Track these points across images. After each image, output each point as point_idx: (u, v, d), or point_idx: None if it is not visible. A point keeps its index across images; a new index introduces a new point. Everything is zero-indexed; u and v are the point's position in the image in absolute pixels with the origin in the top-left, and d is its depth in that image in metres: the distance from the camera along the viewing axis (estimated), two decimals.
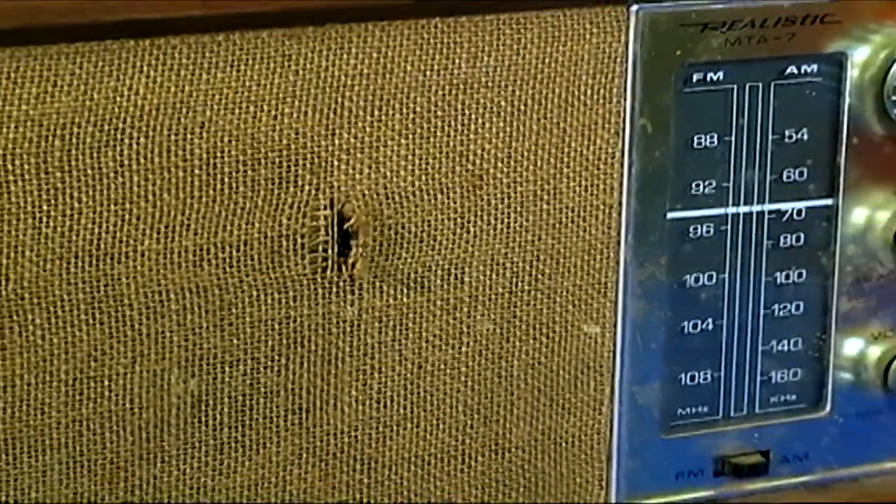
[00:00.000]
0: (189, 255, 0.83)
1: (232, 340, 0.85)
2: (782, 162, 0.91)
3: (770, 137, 0.90)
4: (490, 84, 0.86)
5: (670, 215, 0.90)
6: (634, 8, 0.87)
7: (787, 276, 0.92)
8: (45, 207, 0.81)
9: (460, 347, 0.88)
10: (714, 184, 0.90)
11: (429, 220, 0.87)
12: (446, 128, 0.86)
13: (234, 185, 0.83)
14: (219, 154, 0.83)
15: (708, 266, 0.91)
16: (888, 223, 0.93)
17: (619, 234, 0.89)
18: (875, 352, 0.94)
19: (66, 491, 0.84)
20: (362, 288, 0.86)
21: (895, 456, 0.96)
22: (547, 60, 0.87)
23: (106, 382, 0.83)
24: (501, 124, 0.87)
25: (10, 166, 0.80)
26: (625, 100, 0.88)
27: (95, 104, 0.81)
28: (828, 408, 0.94)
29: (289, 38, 0.83)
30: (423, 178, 0.86)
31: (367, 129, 0.85)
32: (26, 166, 0.80)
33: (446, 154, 0.86)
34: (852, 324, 0.94)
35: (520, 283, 0.88)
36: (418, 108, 0.85)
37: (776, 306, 0.92)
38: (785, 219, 0.92)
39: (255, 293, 0.85)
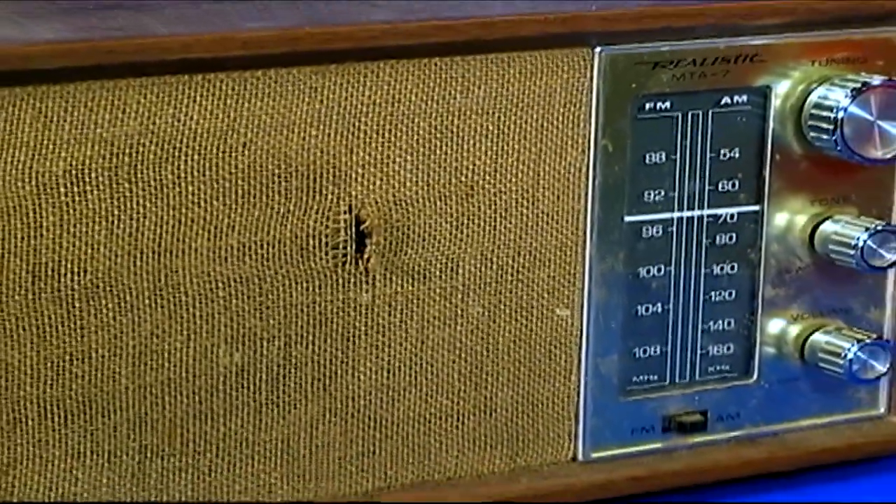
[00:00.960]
0: (234, 251, 0.83)
1: (268, 321, 0.84)
2: (718, 175, 0.91)
3: (708, 155, 0.90)
4: (480, 111, 0.86)
5: (627, 219, 0.90)
6: (598, 50, 0.87)
7: (722, 269, 0.92)
8: (115, 212, 0.81)
9: (455, 327, 0.88)
10: (662, 193, 0.90)
11: (429, 223, 0.87)
12: (444, 147, 0.86)
13: (270, 193, 0.83)
14: (258, 168, 0.83)
15: (657, 260, 0.91)
16: (804, 225, 0.93)
17: (585, 234, 0.89)
18: (794, 330, 0.94)
19: (132, 444, 0.83)
20: (375, 278, 0.86)
21: (809, 415, 0.95)
22: (526, 92, 0.87)
23: (165, 355, 0.83)
24: (489, 144, 0.87)
25: (87, 178, 0.80)
26: (590, 124, 0.88)
27: (157, 128, 0.81)
28: (755, 376, 0.94)
29: (315, 73, 0.83)
30: (425, 188, 0.86)
31: (379, 148, 0.85)
32: (100, 178, 0.80)
33: (444, 168, 0.86)
34: (775, 307, 0.93)
35: (504, 275, 0.88)
36: (421, 131, 0.85)
37: (713, 293, 0.92)
38: (720, 222, 0.91)
39: (287, 282, 0.84)
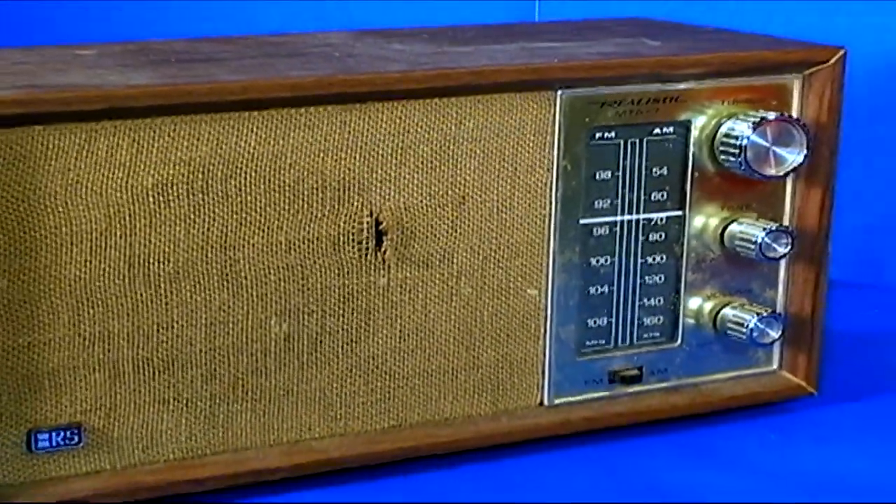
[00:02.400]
0: (282, 246, 0.83)
1: (308, 298, 0.84)
2: (651, 188, 0.91)
3: (644, 173, 0.90)
4: (470, 139, 0.86)
5: (581, 221, 0.89)
6: (560, 92, 0.87)
7: (654, 259, 0.92)
8: (191, 216, 0.81)
9: (451, 303, 0.88)
10: (609, 202, 0.90)
11: (431, 224, 0.86)
12: (442, 166, 0.86)
13: (309, 202, 0.83)
14: (301, 183, 0.83)
15: (604, 253, 0.91)
16: (716, 226, 0.92)
17: (549, 233, 0.89)
18: (708, 306, 0.93)
19: (204, 393, 0.83)
20: (390, 267, 0.86)
21: (720, 371, 0.95)
22: (505, 124, 0.86)
23: (229, 325, 0.83)
24: (476, 164, 0.87)
25: (170, 191, 0.80)
26: (553, 149, 0.88)
27: (223, 152, 0.81)
28: (679, 341, 0.93)
29: (344, 110, 0.83)
30: (427, 197, 0.86)
31: (393, 168, 0.85)
32: (180, 191, 0.80)
33: (442, 183, 0.86)
34: (694, 288, 0.93)
35: (488, 263, 0.88)
36: (424, 155, 0.85)
37: (647, 278, 0.92)
38: (652, 223, 0.91)
39: (322, 269, 0.84)
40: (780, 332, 0.93)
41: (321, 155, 0.83)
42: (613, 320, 0.92)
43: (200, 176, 0.81)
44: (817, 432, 0.93)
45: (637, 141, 0.90)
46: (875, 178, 1.16)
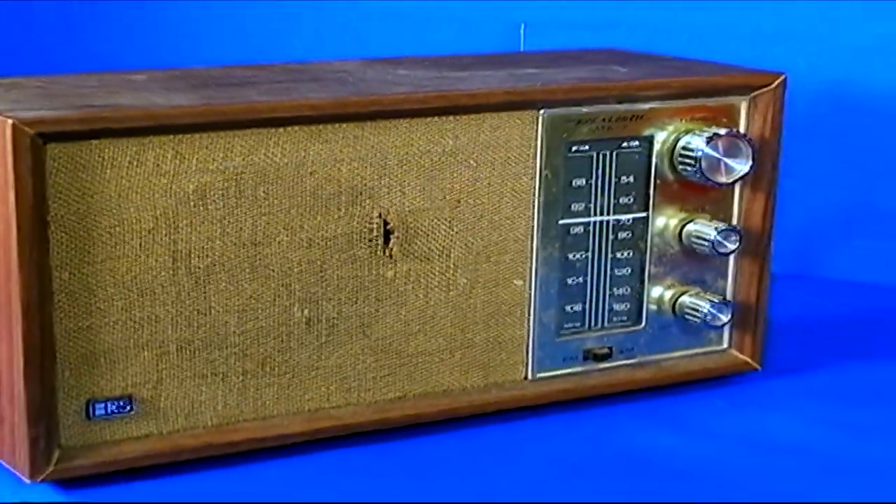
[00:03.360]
0: (304, 242, 0.83)
1: (327, 288, 0.84)
2: (619, 193, 0.90)
3: (613, 180, 0.90)
4: (465, 151, 0.86)
5: (560, 222, 0.89)
6: (542, 111, 0.87)
7: (622, 254, 0.91)
8: (226, 218, 0.81)
9: (448, 292, 0.87)
10: (584, 205, 0.90)
11: (432, 224, 0.86)
12: (440, 175, 0.86)
13: (328, 205, 0.83)
14: (320, 189, 0.83)
15: (580, 249, 0.90)
16: (675, 225, 0.92)
17: (533, 232, 0.88)
18: (668, 294, 0.93)
19: (237, 369, 0.83)
20: (396, 261, 0.85)
21: (678, 349, 0.94)
22: (495, 139, 0.86)
23: (259, 311, 0.83)
24: (470, 173, 0.86)
25: (207, 195, 0.80)
26: (536, 160, 0.87)
27: (253, 162, 0.81)
28: (643, 324, 0.93)
29: (357, 127, 0.83)
30: (428, 201, 0.86)
31: (398, 176, 0.84)
32: (217, 195, 0.80)
33: (440, 189, 0.86)
34: (656, 279, 0.93)
35: (480, 258, 0.88)
36: (425, 164, 0.85)
37: (616, 270, 0.91)
38: (621, 223, 0.91)
39: (339, 263, 0.84)
40: (729, 317, 0.92)
41: (337, 165, 0.83)
42: (587, 306, 0.92)
43: (234, 183, 0.81)
44: (761, 402, 0.94)
45: (608, 153, 0.90)
46: (811, 185, 1.16)
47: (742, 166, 0.90)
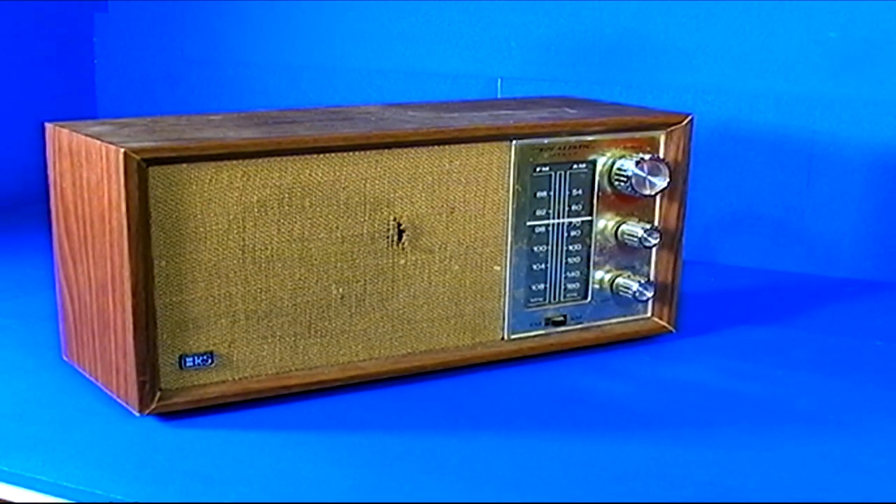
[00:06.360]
0: (339, 240, 0.82)
1: (354, 273, 0.83)
2: (571, 202, 0.89)
3: (566, 193, 0.89)
4: (458, 171, 0.85)
5: (528, 223, 0.88)
6: (514, 142, 0.86)
7: (573, 247, 0.91)
8: (281, 221, 0.80)
9: (446, 275, 0.86)
10: (545, 211, 0.89)
11: (432, 225, 0.85)
12: (439, 189, 0.85)
13: (356, 212, 0.82)
14: (351, 199, 0.82)
15: (542, 243, 0.89)
16: (612, 226, 0.91)
17: (508, 231, 0.88)
18: (607, 277, 0.92)
19: (290, 332, 0.82)
20: (407, 252, 0.84)
21: (615, 317, 0.93)
22: (479, 163, 0.86)
23: (305, 289, 0.82)
24: (460, 188, 0.85)
25: (267, 205, 0.79)
26: (509, 178, 0.87)
27: (300, 180, 0.80)
28: (589, 298, 0.92)
29: (378, 154, 0.82)
30: (430, 209, 0.85)
31: (408, 190, 0.84)
32: (273, 205, 0.79)
33: (439, 200, 0.85)
34: (598, 266, 0.92)
35: (469, 250, 0.87)
36: (428, 181, 0.84)
37: (569, 259, 0.90)
38: (573, 224, 0.90)
39: (364, 254, 0.83)
40: (652, 293, 0.92)
41: (363, 182, 0.82)
42: (548, 286, 0.91)
43: (286, 195, 0.80)
44: (675, 355, 0.93)
45: (563, 172, 0.89)
46: (710, 195, 1.15)
47: (661, 182, 0.89)
